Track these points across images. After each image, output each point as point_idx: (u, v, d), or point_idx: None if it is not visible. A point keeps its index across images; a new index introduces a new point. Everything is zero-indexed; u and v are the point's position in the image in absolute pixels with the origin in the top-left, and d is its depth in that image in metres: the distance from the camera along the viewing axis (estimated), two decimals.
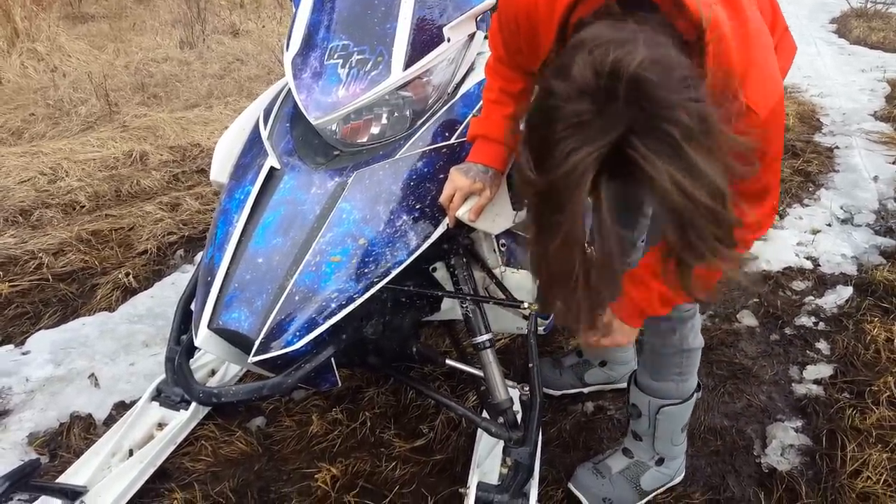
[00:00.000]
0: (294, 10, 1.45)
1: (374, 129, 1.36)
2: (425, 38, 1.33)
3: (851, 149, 3.81)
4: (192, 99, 4.79)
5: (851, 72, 5.93)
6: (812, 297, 2.30)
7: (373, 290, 1.24)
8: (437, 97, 1.41)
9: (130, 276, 2.30)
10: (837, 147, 3.85)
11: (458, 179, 1.22)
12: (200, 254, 2.60)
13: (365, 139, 1.37)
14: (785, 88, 4.24)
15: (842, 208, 3.04)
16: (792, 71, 5.43)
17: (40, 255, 2.42)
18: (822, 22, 9.08)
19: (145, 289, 2.26)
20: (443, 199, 1.25)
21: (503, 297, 1.50)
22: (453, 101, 1.41)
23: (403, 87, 1.35)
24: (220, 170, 1.48)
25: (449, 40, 1.37)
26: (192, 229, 2.73)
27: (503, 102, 1.21)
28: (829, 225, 2.88)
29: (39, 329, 2.02)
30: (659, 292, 1.06)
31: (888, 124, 4.34)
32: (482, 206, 1.23)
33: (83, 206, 2.95)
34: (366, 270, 1.24)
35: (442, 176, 1.31)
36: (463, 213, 1.24)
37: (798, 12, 9.84)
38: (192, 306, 1.31)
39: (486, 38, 1.61)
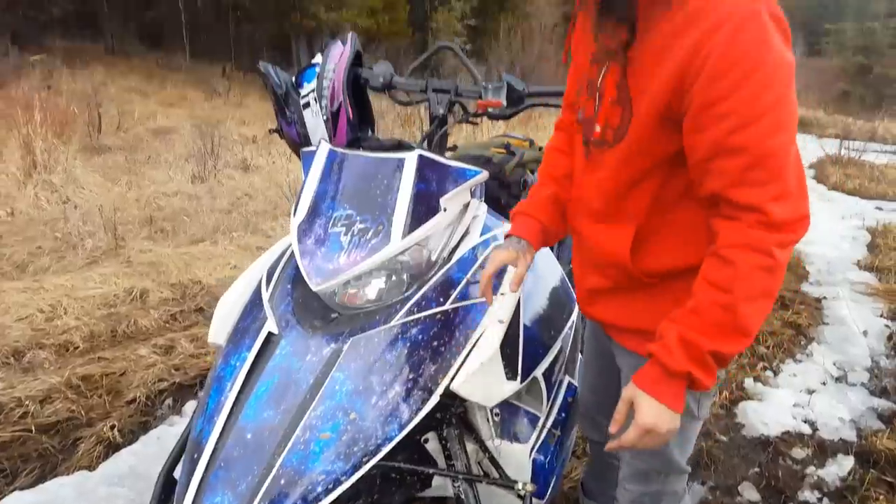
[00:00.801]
0: (304, 177, 1.52)
1: (372, 293, 1.39)
2: (424, 209, 1.39)
3: (839, 300, 3.88)
4: (199, 234, 4.92)
5: (832, 218, 6.17)
6: (813, 468, 2.24)
7: (361, 472, 1.21)
8: (433, 262, 1.46)
9: (115, 429, 2.26)
10: (825, 298, 3.93)
11: (495, 253, 1.32)
12: (189, 404, 2.57)
13: (363, 302, 1.40)
14: None
15: (835, 364, 3.05)
16: None
17: (27, 402, 2.38)
18: None
19: (130, 443, 2.20)
20: (483, 272, 1.31)
21: (497, 475, 1.47)
22: (448, 265, 1.45)
23: (402, 252, 1.40)
24: (219, 331, 1.49)
25: (445, 210, 1.43)
26: (184, 375, 2.71)
27: (545, 184, 1.35)
28: (824, 384, 2.87)
29: (14, 490, 1.94)
30: None
31: (872, 274, 4.46)
32: (520, 275, 1.29)
33: (77, 347, 2.94)
34: (355, 448, 1.22)
35: (436, 343, 1.32)
36: (504, 287, 1.36)
37: None
38: (176, 474, 1.27)
39: (481, 200, 1.69)
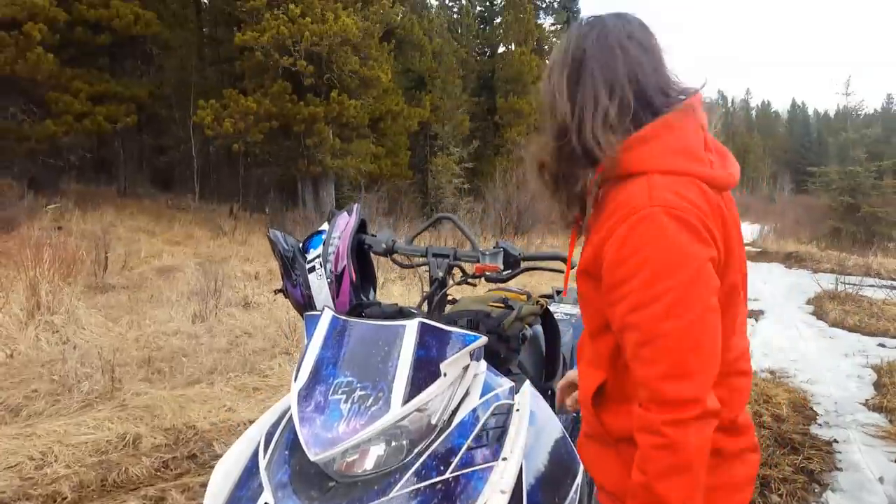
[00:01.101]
0: (306, 341, 1.54)
1: (370, 462, 1.36)
2: (424, 375, 1.40)
3: (850, 443, 3.79)
4: (196, 374, 4.88)
5: (835, 356, 6.14)
6: None
7: None
8: (433, 425, 1.44)
9: None
10: (836, 441, 3.83)
11: (569, 373, 1.50)
12: None
13: (361, 471, 1.37)
14: (773, 374, 4.40)
15: None
16: (778, 355, 5.68)
17: None
18: (799, 303, 9.64)
19: None
20: (559, 385, 1.51)
21: None
22: (449, 430, 1.43)
23: (402, 419, 1.39)
24: (215, 499, 1.44)
25: (445, 375, 1.44)
26: None
27: None
28: None
29: None
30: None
31: (881, 415, 4.37)
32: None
33: (65, 499, 2.83)
34: None
35: None
36: (570, 403, 1.49)
37: (775, 292, 10.53)
38: None
39: (480, 360, 1.71)
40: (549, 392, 2.23)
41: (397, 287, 8.64)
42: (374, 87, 17.43)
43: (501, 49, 30.04)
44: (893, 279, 12.51)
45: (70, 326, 5.89)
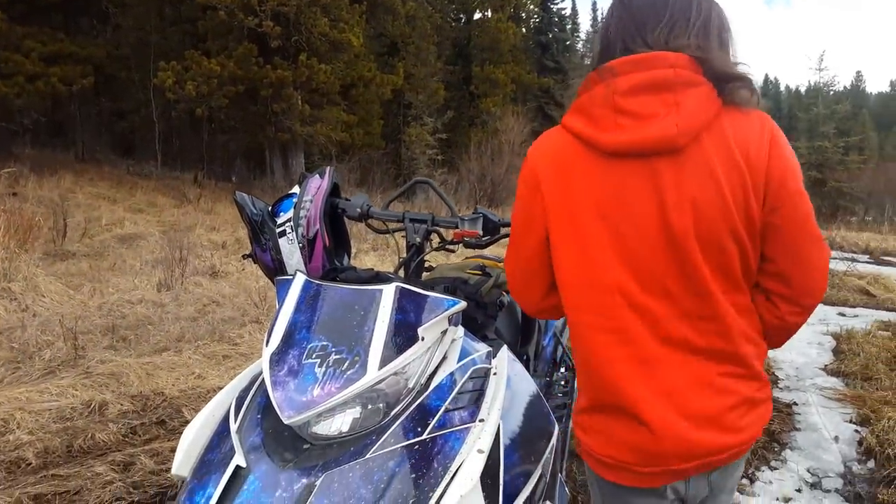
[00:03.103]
0: (278, 305, 1.48)
1: (346, 425, 1.33)
2: (401, 339, 1.37)
3: (809, 406, 3.92)
4: (163, 342, 4.79)
5: None
6: None
7: None
8: (410, 388, 1.43)
9: None
10: (796, 403, 3.97)
11: None
12: None
13: (336, 433, 1.34)
14: None
15: (809, 471, 3.05)
16: None
17: None
18: None
19: None
20: None
21: None
22: (426, 393, 1.41)
23: (378, 382, 1.37)
24: (184, 462, 1.40)
25: (423, 339, 1.41)
26: (143, 494, 2.56)
27: None
28: (799, 490, 2.85)
29: None
30: None
31: (839, 379, 4.54)
32: None
33: (30, 464, 2.77)
34: None
35: (414, 476, 1.25)
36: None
37: None
38: None
39: (458, 325, 1.69)
40: (525, 357, 2.24)
41: (370, 258, 8.58)
42: (345, 51, 17.00)
43: (477, 15, 29.49)
44: (854, 252, 12.90)
45: (28, 294, 5.71)
